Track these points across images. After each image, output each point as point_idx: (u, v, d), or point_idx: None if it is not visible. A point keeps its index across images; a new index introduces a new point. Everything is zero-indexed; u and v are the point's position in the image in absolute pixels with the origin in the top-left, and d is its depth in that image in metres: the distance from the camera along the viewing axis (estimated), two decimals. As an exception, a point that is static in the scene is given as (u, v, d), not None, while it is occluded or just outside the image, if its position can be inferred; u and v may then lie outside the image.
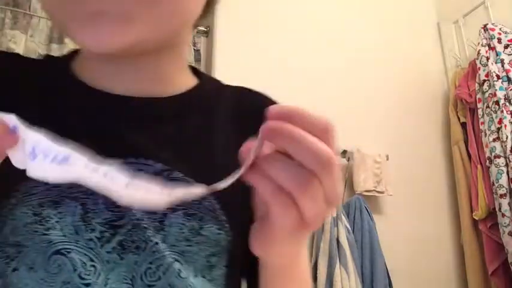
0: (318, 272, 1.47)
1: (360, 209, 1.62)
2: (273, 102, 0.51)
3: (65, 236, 0.35)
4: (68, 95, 0.42)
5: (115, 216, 0.36)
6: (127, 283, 0.36)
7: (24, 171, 0.28)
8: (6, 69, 0.43)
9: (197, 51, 1.75)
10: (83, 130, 0.39)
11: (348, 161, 1.72)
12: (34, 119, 0.29)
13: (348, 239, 1.52)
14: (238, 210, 0.39)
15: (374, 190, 1.69)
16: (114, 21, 0.33)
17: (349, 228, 1.56)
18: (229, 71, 1.71)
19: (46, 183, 0.32)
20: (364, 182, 1.67)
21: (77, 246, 0.35)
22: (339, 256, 1.47)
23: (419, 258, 1.77)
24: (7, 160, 0.27)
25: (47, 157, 0.28)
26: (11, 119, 0.27)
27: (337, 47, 1.96)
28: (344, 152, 1.72)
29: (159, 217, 0.37)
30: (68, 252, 0.35)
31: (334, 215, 1.56)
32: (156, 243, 0.37)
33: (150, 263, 0.37)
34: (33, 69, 0.44)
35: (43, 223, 0.35)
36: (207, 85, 0.50)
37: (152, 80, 0.43)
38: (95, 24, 0.33)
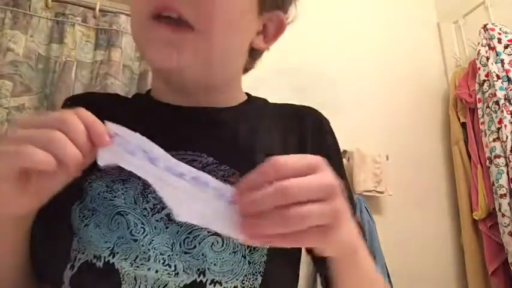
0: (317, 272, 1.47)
1: (360, 209, 1.62)
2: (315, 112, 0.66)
3: (126, 203, 0.45)
4: (149, 109, 0.56)
5: None
6: (167, 247, 0.44)
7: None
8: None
9: (197, 51, 1.75)
10: (160, 131, 0.46)
11: (348, 161, 1.72)
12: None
13: (347, 239, 1.52)
14: None
15: (374, 190, 1.68)
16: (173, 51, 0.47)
17: (349, 228, 1.56)
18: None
19: (120, 166, 0.38)
20: (364, 182, 1.67)
21: (133, 211, 0.45)
22: (339, 256, 1.47)
23: (419, 258, 1.77)
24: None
25: (145, 155, 0.36)
26: (112, 126, 0.37)
27: (337, 47, 1.96)
28: (344, 152, 1.72)
29: None
30: (126, 214, 0.45)
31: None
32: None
33: (189, 233, 0.44)
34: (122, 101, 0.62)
35: (112, 193, 0.46)
36: (255, 101, 0.64)
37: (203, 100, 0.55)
38: (167, 47, 0.47)
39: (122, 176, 0.47)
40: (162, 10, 0.46)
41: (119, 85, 1.57)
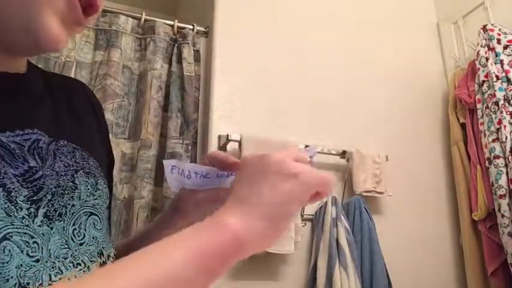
0: (317, 272, 1.47)
1: (360, 210, 1.62)
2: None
3: (1, 220, 0.35)
4: None
5: (31, 191, 0.39)
6: (65, 247, 0.40)
7: None
8: None
9: (197, 52, 1.75)
10: None
11: (348, 161, 1.72)
12: None
13: (347, 239, 1.52)
14: (107, 167, 0.53)
15: (373, 190, 1.68)
16: None
17: (349, 229, 1.56)
18: (229, 71, 1.71)
19: None
20: (363, 183, 1.67)
21: (15, 228, 0.36)
22: (339, 257, 1.47)
23: (419, 259, 1.77)
24: None
25: (197, 175, 0.52)
26: (171, 162, 0.52)
27: (336, 47, 1.96)
28: (343, 153, 1.72)
29: (71, 178, 0.43)
30: (11, 236, 0.35)
31: (334, 215, 1.56)
32: (73, 205, 0.42)
33: (74, 224, 0.42)
34: None
35: None
36: (35, 69, 0.51)
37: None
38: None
39: None
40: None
41: (118, 85, 1.57)
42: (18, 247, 0.36)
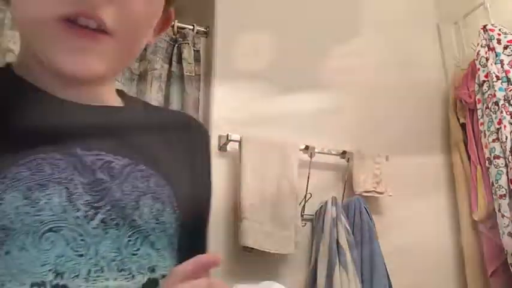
0: (317, 272, 1.47)
1: (360, 210, 1.62)
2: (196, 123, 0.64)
3: (54, 216, 0.40)
4: (35, 104, 0.48)
5: (93, 198, 0.42)
6: (115, 252, 0.42)
7: (8, 159, 0.39)
8: None
9: (197, 52, 1.75)
10: (67, 131, 0.46)
11: (348, 161, 1.72)
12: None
13: (347, 239, 1.52)
14: (188, 202, 0.51)
15: (374, 191, 1.69)
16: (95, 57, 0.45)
17: (349, 229, 1.56)
18: (229, 71, 1.71)
19: (30, 169, 0.39)
20: (363, 183, 1.67)
21: (66, 224, 0.40)
22: (339, 257, 1.47)
23: (419, 259, 1.77)
24: None
25: None
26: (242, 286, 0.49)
27: (336, 47, 1.96)
28: (344, 153, 1.72)
29: (135, 198, 0.45)
30: (59, 230, 0.40)
31: (334, 215, 1.56)
32: (133, 220, 0.44)
33: (129, 236, 0.43)
34: None
35: (33, 205, 0.39)
36: (136, 100, 0.61)
37: (93, 96, 0.51)
38: (83, 56, 0.44)
39: (38, 179, 0.40)
40: (81, 16, 0.42)
41: (118, 85, 1.57)
42: (64, 240, 0.39)
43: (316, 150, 1.66)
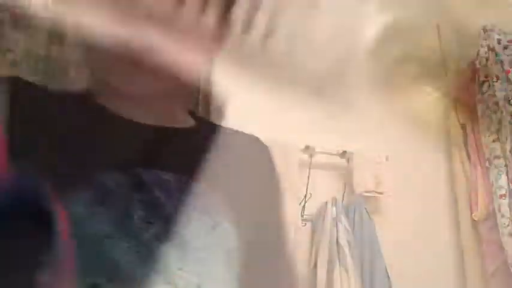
0: (317, 272, 1.47)
1: (360, 210, 1.62)
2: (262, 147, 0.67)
3: (111, 227, 0.43)
4: (114, 127, 0.52)
5: (147, 213, 0.45)
6: (164, 265, 0.44)
7: (75, 176, 0.42)
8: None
9: (197, 52, 1.75)
10: (138, 152, 0.49)
11: (348, 162, 1.72)
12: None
13: (347, 239, 1.52)
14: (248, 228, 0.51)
15: (374, 191, 1.69)
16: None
17: (349, 229, 1.56)
18: (229, 71, 1.71)
19: (92, 186, 0.43)
20: (363, 183, 1.67)
21: (122, 235, 0.43)
22: (339, 257, 1.47)
23: (419, 259, 1.77)
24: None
25: None
26: None
27: (336, 48, 1.95)
28: (344, 153, 1.72)
29: (187, 215, 0.47)
30: (114, 239, 0.43)
31: (334, 215, 1.56)
32: (183, 235, 0.46)
33: (181, 251, 0.45)
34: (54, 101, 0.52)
35: (92, 217, 0.43)
36: (207, 123, 0.65)
37: (163, 115, 0.55)
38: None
39: (97, 197, 0.44)
40: None
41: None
42: (117, 248, 0.42)
43: (316, 150, 1.67)
